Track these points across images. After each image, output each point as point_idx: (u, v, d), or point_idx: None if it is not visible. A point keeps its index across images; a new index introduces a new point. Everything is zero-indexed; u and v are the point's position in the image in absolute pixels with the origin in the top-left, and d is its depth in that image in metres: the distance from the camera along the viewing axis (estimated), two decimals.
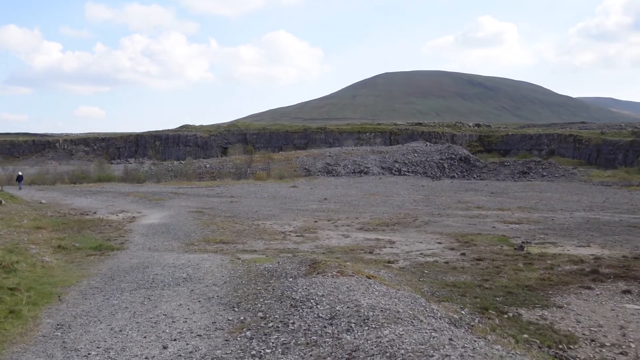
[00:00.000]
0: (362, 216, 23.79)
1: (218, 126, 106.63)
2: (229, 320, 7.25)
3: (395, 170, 56.71)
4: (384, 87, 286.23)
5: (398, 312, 6.34)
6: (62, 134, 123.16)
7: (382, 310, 6.37)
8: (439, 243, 17.19)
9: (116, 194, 34.60)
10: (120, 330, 7.07)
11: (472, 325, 7.53)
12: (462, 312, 9.54)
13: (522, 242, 17.36)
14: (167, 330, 6.98)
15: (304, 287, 8.24)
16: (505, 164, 58.14)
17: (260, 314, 7.29)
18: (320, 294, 7.58)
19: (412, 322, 6.00)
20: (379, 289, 8.23)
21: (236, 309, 7.78)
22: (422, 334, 5.58)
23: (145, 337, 6.78)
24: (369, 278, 9.14)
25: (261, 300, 8.04)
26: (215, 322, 7.21)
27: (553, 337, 8.95)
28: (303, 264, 10.24)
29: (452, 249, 16.17)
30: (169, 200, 30.40)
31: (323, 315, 6.63)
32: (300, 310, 7.02)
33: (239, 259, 13.25)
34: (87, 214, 24.20)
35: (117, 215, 23.62)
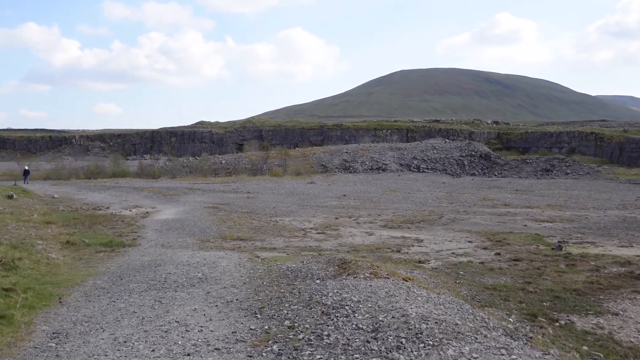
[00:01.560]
0: (384, 213, 22.73)
1: (233, 123, 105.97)
2: (251, 329, 6.26)
3: (414, 167, 55.46)
4: (400, 84, 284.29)
5: (456, 324, 5.33)
6: (79, 130, 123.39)
7: (436, 322, 5.36)
8: (469, 242, 16.12)
9: (130, 189, 33.85)
10: (125, 342, 6.10)
11: (531, 337, 6.49)
12: (510, 319, 8.50)
13: (559, 242, 16.24)
14: (180, 342, 6.00)
15: (335, 290, 7.23)
16: (528, 161, 56.63)
17: (287, 323, 6.30)
18: (356, 299, 6.58)
19: (476, 338, 4.99)
20: (420, 293, 7.22)
21: (259, 316, 6.79)
22: (492, 354, 4.56)
23: (153, 350, 5.79)
24: (406, 280, 8.13)
25: (287, 305, 7.04)
26: (235, 332, 6.22)
27: (617, 349, 7.90)
28: (331, 264, 9.23)
29: (485, 248, 15.10)
30: (183, 195, 29.58)
31: (364, 327, 5.62)
32: (335, 320, 6.02)
33: (258, 257, 12.31)
34: (100, 209, 23.44)
35: (130, 211, 22.82)
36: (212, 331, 6.32)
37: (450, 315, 5.77)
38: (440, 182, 44.09)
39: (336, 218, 20.99)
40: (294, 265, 9.93)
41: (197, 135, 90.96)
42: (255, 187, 35.80)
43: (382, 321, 5.61)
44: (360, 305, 6.26)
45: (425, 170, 54.88)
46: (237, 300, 7.63)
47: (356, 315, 6.02)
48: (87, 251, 13.22)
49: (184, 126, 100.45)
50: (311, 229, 18.20)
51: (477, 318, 6.56)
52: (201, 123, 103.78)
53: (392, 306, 6.11)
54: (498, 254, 14.25)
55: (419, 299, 6.64)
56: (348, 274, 8.16)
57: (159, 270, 10.14)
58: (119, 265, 11.00)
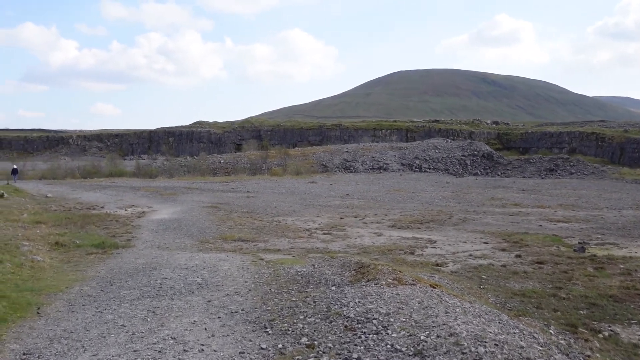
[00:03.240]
0: (391, 213, 21.76)
1: (232, 123, 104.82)
2: (261, 349, 5.25)
3: (415, 167, 54.52)
4: (398, 85, 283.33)
5: (521, 347, 4.36)
6: (76, 130, 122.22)
7: (496, 345, 4.39)
8: (485, 243, 15.15)
9: (126, 189, 32.83)
10: None
11: (589, 356, 5.51)
12: (550, 330, 7.54)
13: (580, 243, 15.28)
14: None
15: (357, 300, 6.24)
16: (531, 161, 55.75)
17: (304, 340, 5.31)
18: (384, 311, 5.60)
19: None
20: (453, 303, 6.24)
21: (269, 331, 5.79)
22: None
23: None
24: (433, 287, 7.16)
25: (301, 317, 6.05)
26: (243, 353, 5.20)
27: None
28: (346, 268, 8.24)
29: (504, 250, 14.13)
30: (181, 195, 28.57)
31: (402, 348, 4.63)
32: (363, 337, 5.04)
33: (262, 259, 11.35)
34: (94, 209, 22.43)
35: (125, 210, 21.82)
36: (215, 351, 5.30)
37: (508, 335, 4.80)
38: (443, 181, 43.14)
39: (341, 218, 20.02)
40: (304, 269, 8.94)
41: (195, 135, 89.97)
42: (255, 187, 34.80)
43: (426, 342, 4.62)
44: (392, 320, 5.28)
45: (427, 170, 53.95)
46: (242, 310, 6.63)
47: (389, 332, 5.03)
48: (77, 253, 12.22)
49: (182, 126, 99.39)
50: (316, 229, 17.22)
51: (525, 333, 5.58)
52: (199, 123, 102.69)
53: (433, 321, 5.13)
54: (519, 256, 13.29)
55: (457, 310, 5.67)
56: (368, 280, 7.18)
57: (154, 275, 9.15)
58: (110, 268, 10.00)
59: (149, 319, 6.39)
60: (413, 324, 5.17)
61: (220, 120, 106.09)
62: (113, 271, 9.69)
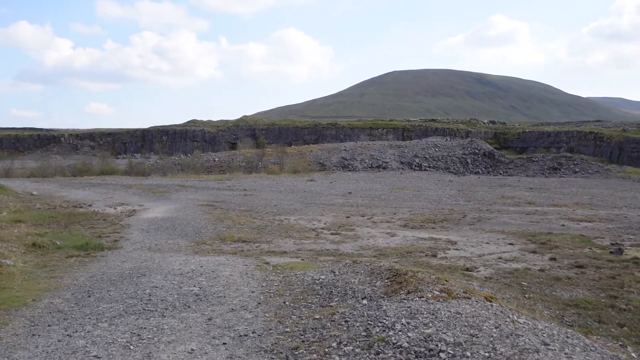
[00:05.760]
0: (399, 212, 20.32)
1: (226, 122, 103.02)
2: None
3: (415, 165, 53.15)
4: (393, 85, 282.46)
5: None
6: (69, 129, 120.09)
7: None
8: (510, 244, 13.74)
9: (117, 187, 31.21)
10: None
11: None
12: (629, 350, 6.12)
13: (614, 244, 13.90)
14: None
15: (404, 320, 4.78)
16: (534, 159, 54.56)
17: None
18: (451, 339, 4.15)
19: None
20: (525, 322, 4.79)
21: None
22: None
23: None
24: (489, 300, 5.71)
25: (334, 345, 4.57)
26: None
27: None
28: (376, 276, 6.76)
29: (534, 252, 12.72)
30: (175, 192, 27.01)
31: None
32: None
33: (268, 263, 9.88)
34: (81, 207, 20.85)
35: (115, 209, 20.28)
36: None
37: None
38: (446, 180, 41.79)
39: (347, 217, 18.56)
40: (323, 276, 7.46)
41: (189, 134, 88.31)
42: (252, 185, 33.27)
43: None
44: (468, 353, 3.84)
45: (427, 168, 52.62)
46: (253, 333, 5.13)
47: None
48: (56, 256, 10.71)
49: (175, 124, 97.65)
50: (322, 228, 15.76)
51: None
52: (193, 122, 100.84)
53: (528, 357, 3.68)
54: (553, 259, 11.89)
55: (544, 334, 4.24)
56: (408, 292, 5.72)
57: (142, 283, 7.66)
58: (90, 274, 8.49)
59: (132, 347, 4.86)
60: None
61: (215, 119, 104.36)
62: (94, 278, 8.19)
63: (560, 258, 11.98)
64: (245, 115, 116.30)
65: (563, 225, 17.53)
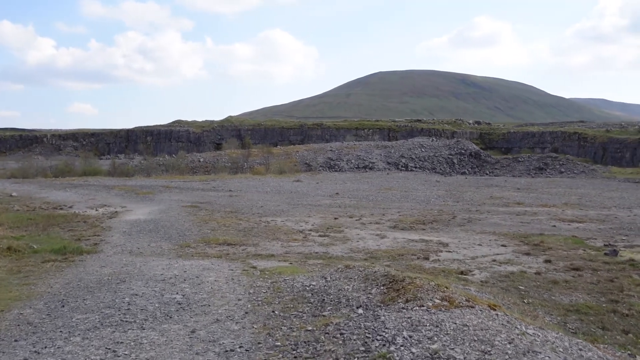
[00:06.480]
0: (388, 213, 19.97)
1: (211, 122, 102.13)
2: None
3: (402, 166, 52.94)
4: (378, 86, 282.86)
5: None
6: (51, 129, 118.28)
7: None
8: (503, 246, 13.44)
9: (100, 187, 30.52)
10: None
11: None
12: (638, 359, 5.79)
13: (607, 246, 13.67)
14: None
15: (405, 333, 4.38)
16: (519, 160, 54.65)
17: None
18: (460, 356, 3.76)
19: None
20: (534, 334, 4.41)
21: None
22: None
23: None
24: (492, 309, 5.34)
25: None
26: None
27: None
28: (371, 282, 6.35)
29: (528, 254, 12.43)
30: (159, 194, 26.43)
31: None
32: None
33: (255, 267, 9.46)
34: (61, 208, 20.25)
35: (96, 210, 19.70)
36: None
37: None
38: (433, 180, 41.58)
39: (335, 218, 18.17)
40: (313, 282, 7.04)
41: (174, 135, 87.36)
42: (238, 186, 32.75)
43: None
44: None
45: (414, 169, 52.44)
46: (241, 347, 4.70)
47: None
48: (32, 260, 10.18)
49: (160, 125, 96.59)
50: (310, 230, 15.35)
51: None
52: (178, 122, 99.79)
53: None
54: (548, 261, 11.59)
55: (559, 349, 3.88)
56: (407, 300, 5.32)
57: (122, 290, 7.20)
58: (67, 281, 8.00)
59: None
60: None
61: (200, 119, 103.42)
62: (70, 285, 7.70)
63: (555, 260, 11.69)
64: (230, 116, 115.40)
65: (554, 226, 17.30)
